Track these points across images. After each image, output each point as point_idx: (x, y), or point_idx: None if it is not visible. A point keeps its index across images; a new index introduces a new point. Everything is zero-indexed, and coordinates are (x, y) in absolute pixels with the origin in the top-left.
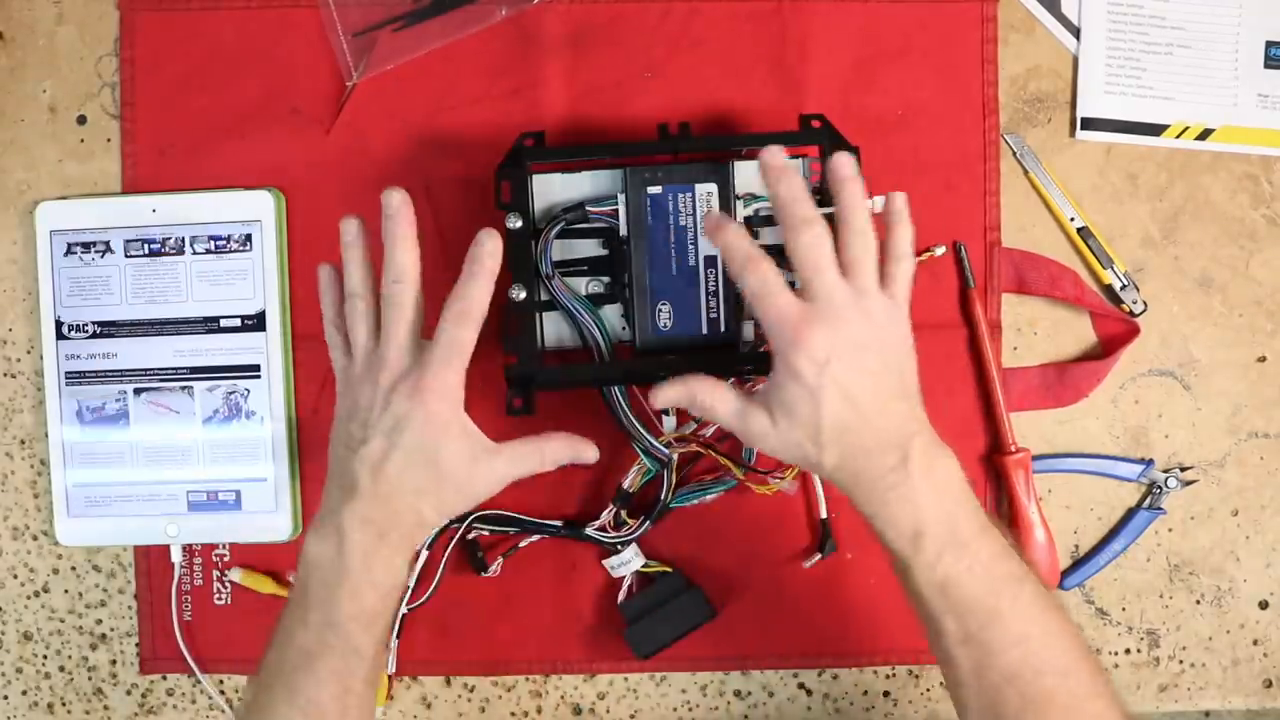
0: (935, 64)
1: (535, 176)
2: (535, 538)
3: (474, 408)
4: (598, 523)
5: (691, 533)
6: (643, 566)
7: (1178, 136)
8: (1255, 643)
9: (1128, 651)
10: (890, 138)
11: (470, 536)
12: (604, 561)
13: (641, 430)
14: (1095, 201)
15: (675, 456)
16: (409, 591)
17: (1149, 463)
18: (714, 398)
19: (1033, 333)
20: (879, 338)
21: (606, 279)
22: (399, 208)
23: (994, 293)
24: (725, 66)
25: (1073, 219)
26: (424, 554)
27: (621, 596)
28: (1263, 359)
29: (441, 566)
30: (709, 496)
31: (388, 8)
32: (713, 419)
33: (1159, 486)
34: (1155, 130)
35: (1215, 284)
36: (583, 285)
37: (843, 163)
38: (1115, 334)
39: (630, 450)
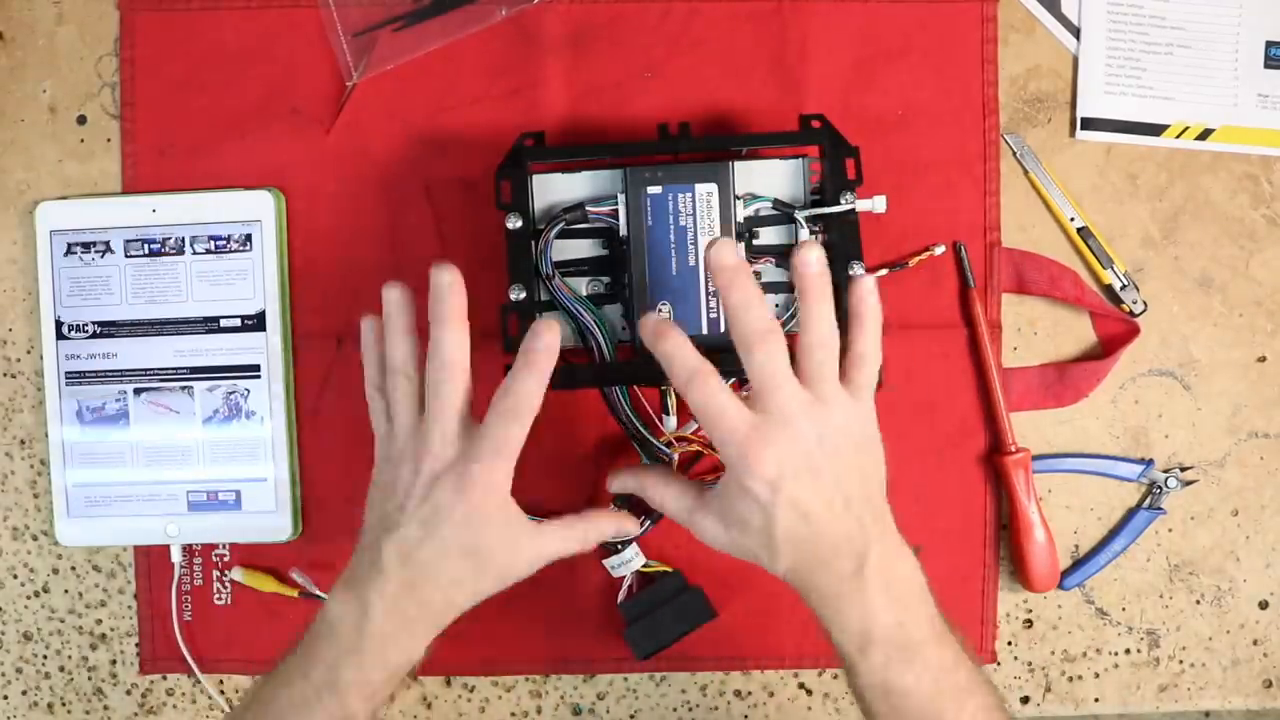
0: (935, 64)
1: (535, 176)
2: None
3: (475, 410)
4: None
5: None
6: (643, 566)
7: (1178, 136)
8: (1255, 643)
9: (1128, 651)
10: (890, 138)
11: None
12: (604, 561)
13: (642, 430)
14: (1095, 201)
15: (676, 456)
16: None
17: (1149, 463)
18: (664, 493)
19: (1033, 333)
20: (835, 446)
21: (606, 279)
22: (449, 287)
23: (994, 293)
24: (725, 66)
25: (1073, 219)
26: None
27: (621, 596)
28: (1263, 359)
29: None
30: None
31: (388, 8)
32: (663, 511)
33: (1159, 486)
34: (1155, 130)
35: (1215, 284)
36: (583, 285)
37: (806, 260)
38: (1115, 334)
39: (631, 450)
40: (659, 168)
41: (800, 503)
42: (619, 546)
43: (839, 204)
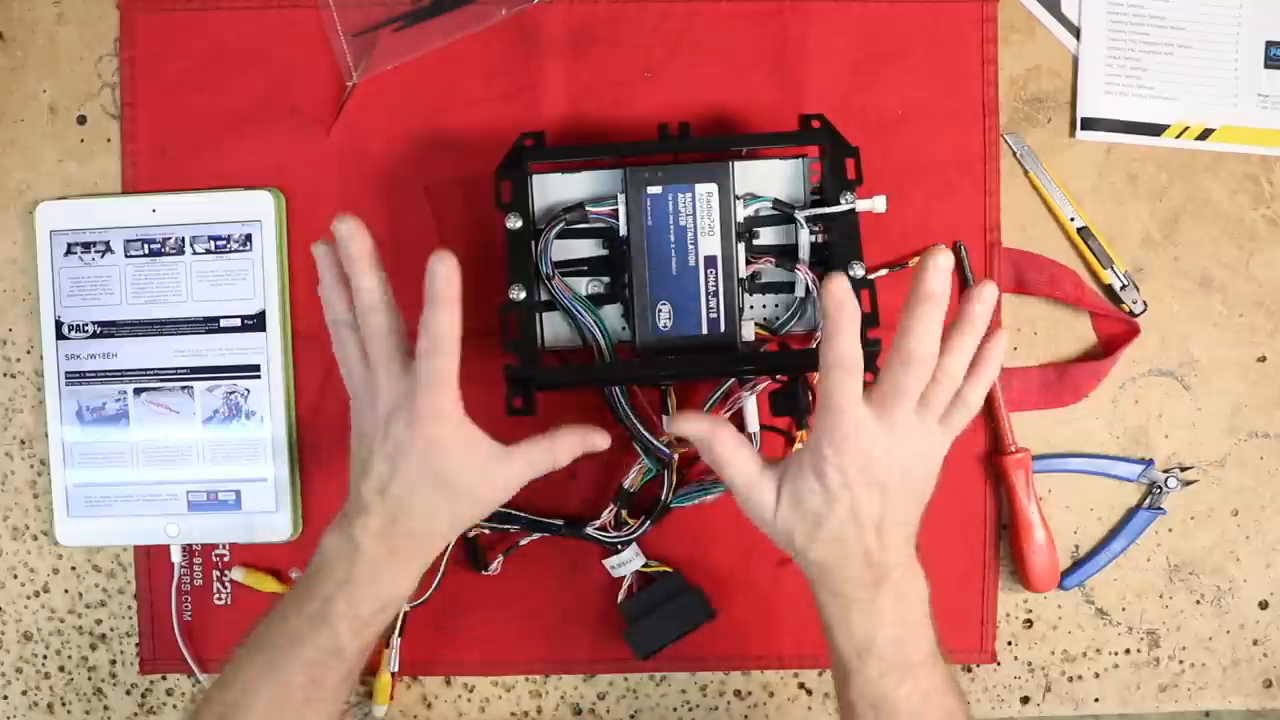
0: (935, 64)
1: (535, 176)
2: (535, 536)
3: (474, 408)
4: (598, 522)
5: (692, 533)
6: (643, 566)
7: (1178, 136)
8: (1255, 643)
9: (1128, 651)
10: (890, 138)
11: (470, 535)
12: (604, 561)
13: (642, 430)
14: (1095, 201)
15: (676, 456)
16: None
17: (1149, 463)
18: (734, 453)
19: (1033, 333)
20: (913, 469)
21: (606, 279)
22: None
23: None
24: (725, 66)
25: (1073, 219)
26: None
27: (621, 596)
28: (1263, 359)
29: (443, 566)
30: (709, 497)
31: (388, 8)
32: (720, 473)
33: (1159, 486)
34: (1155, 130)
35: (1215, 284)
36: (583, 285)
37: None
38: (1115, 334)
39: (631, 450)
40: (659, 168)
41: (860, 505)
42: (619, 547)
43: (839, 204)
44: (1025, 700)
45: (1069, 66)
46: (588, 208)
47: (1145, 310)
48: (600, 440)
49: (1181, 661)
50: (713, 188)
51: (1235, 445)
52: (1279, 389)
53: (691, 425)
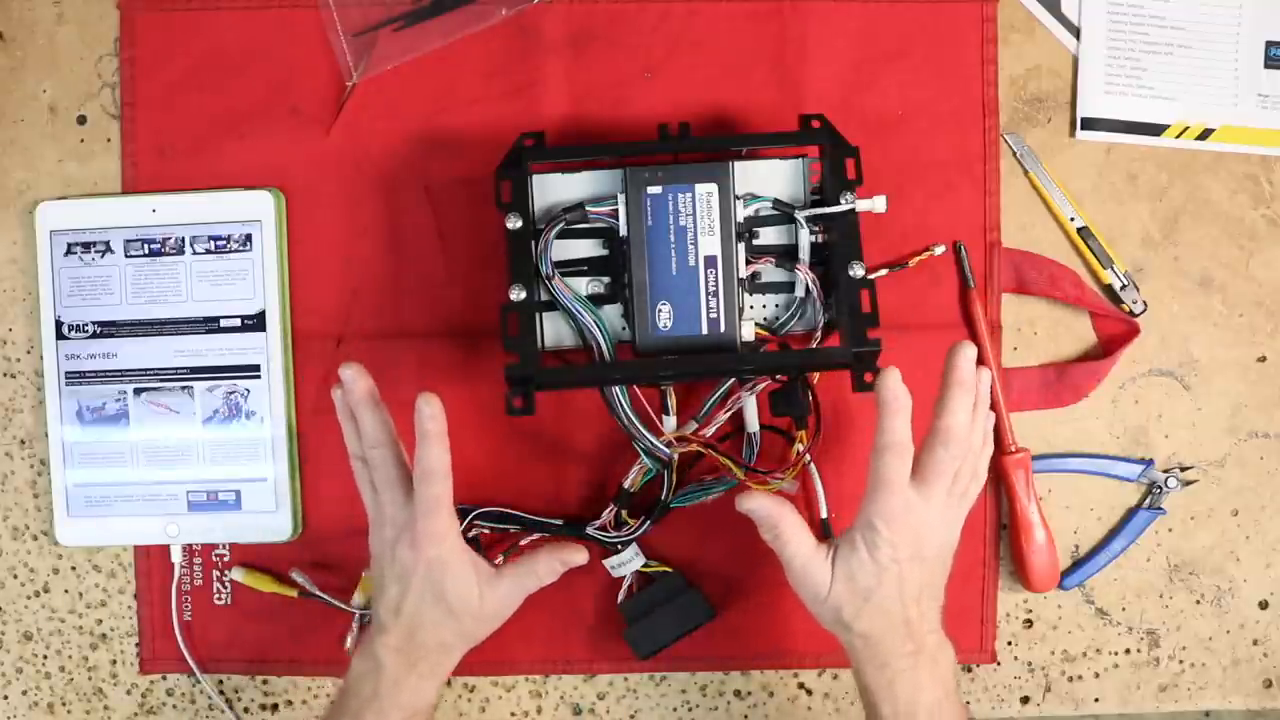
0: (935, 64)
1: (535, 176)
2: (535, 536)
3: (475, 407)
4: (598, 522)
5: (692, 533)
6: (643, 566)
7: (1178, 136)
8: (1255, 643)
9: (1128, 651)
10: (890, 138)
11: (471, 534)
12: (604, 561)
13: (643, 430)
14: (1095, 201)
15: (676, 456)
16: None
17: (1149, 463)
18: (793, 534)
19: (1033, 333)
20: (945, 546)
21: (606, 279)
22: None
23: (994, 293)
24: (725, 66)
25: (1073, 219)
26: None
27: (621, 596)
28: (1263, 359)
29: None
30: (709, 496)
31: (388, 8)
32: (779, 551)
33: (1159, 486)
34: (1155, 130)
35: (1215, 284)
36: (583, 285)
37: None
38: (1115, 334)
39: (631, 450)
40: (659, 168)
41: (906, 580)
42: (619, 547)
43: (839, 204)
44: (1025, 700)
45: (1069, 66)
46: (587, 208)
47: (1145, 310)
48: (578, 557)
49: (1181, 661)
50: (713, 188)
51: (1235, 445)
52: (1279, 389)
53: (758, 504)
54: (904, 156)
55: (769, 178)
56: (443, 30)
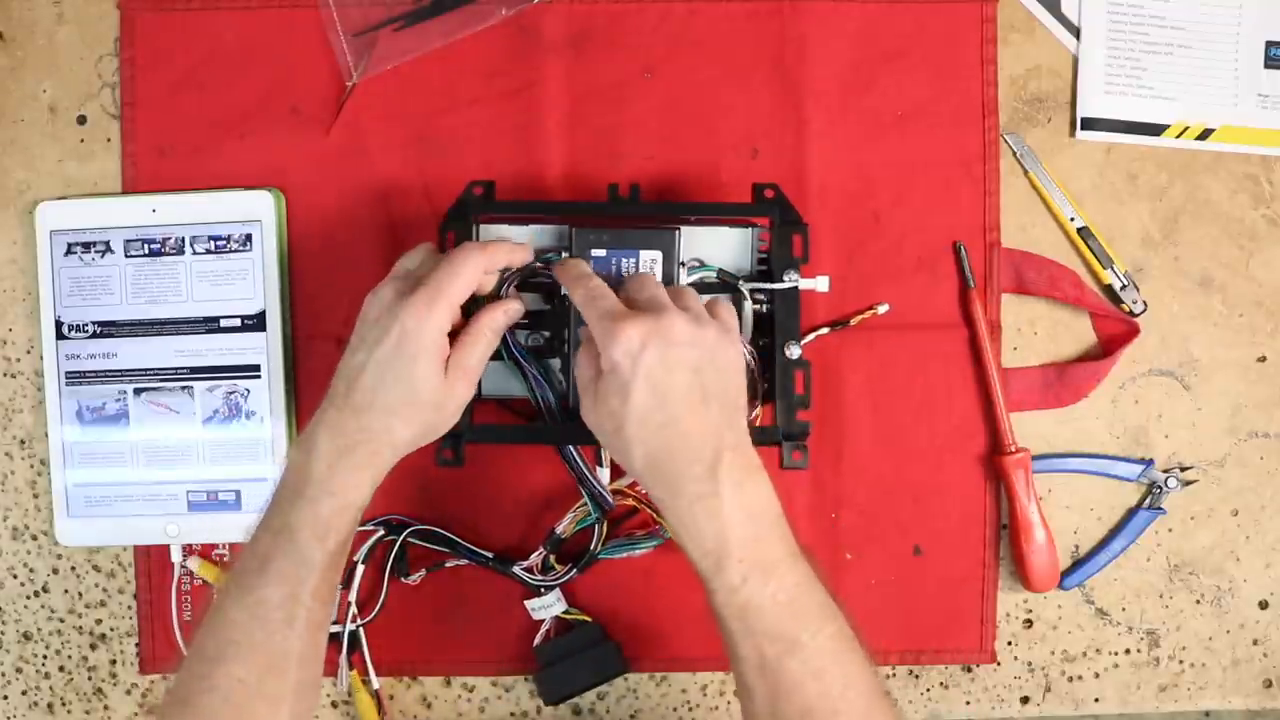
0: (935, 64)
1: (483, 226)
2: (463, 562)
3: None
4: (526, 563)
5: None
6: (563, 612)
7: (1178, 136)
8: (1255, 643)
9: (1128, 651)
10: (890, 138)
11: (400, 542)
12: (526, 603)
13: (590, 476)
14: (1095, 201)
15: (615, 505)
16: (381, 603)
17: (1149, 463)
18: (581, 359)
19: (1033, 333)
20: (699, 342)
21: (547, 333)
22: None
23: (994, 293)
24: (725, 66)
25: (1073, 219)
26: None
27: (538, 640)
28: (1263, 359)
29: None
30: (638, 551)
31: (388, 8)
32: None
33: (1159, 486)
34: (1155, 130)
35: (1215, 284)
36: (523, 337)
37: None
38: (1115, 334)
39: (565, 496)
40: (605, 231)
41: (657, 381)
42: (541, 590)
43: (783, 280)
44: (1025, 700)
45: (1069, 66)
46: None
47: (1145, 310)
48: (515, 305)
49: (1181, 661)
50: (657, 254)
51: (1235, 445)
52: (1279, 389)
53: (574, 271)
54: (904, 156)
55: (717, 244)
56: (443, 30)
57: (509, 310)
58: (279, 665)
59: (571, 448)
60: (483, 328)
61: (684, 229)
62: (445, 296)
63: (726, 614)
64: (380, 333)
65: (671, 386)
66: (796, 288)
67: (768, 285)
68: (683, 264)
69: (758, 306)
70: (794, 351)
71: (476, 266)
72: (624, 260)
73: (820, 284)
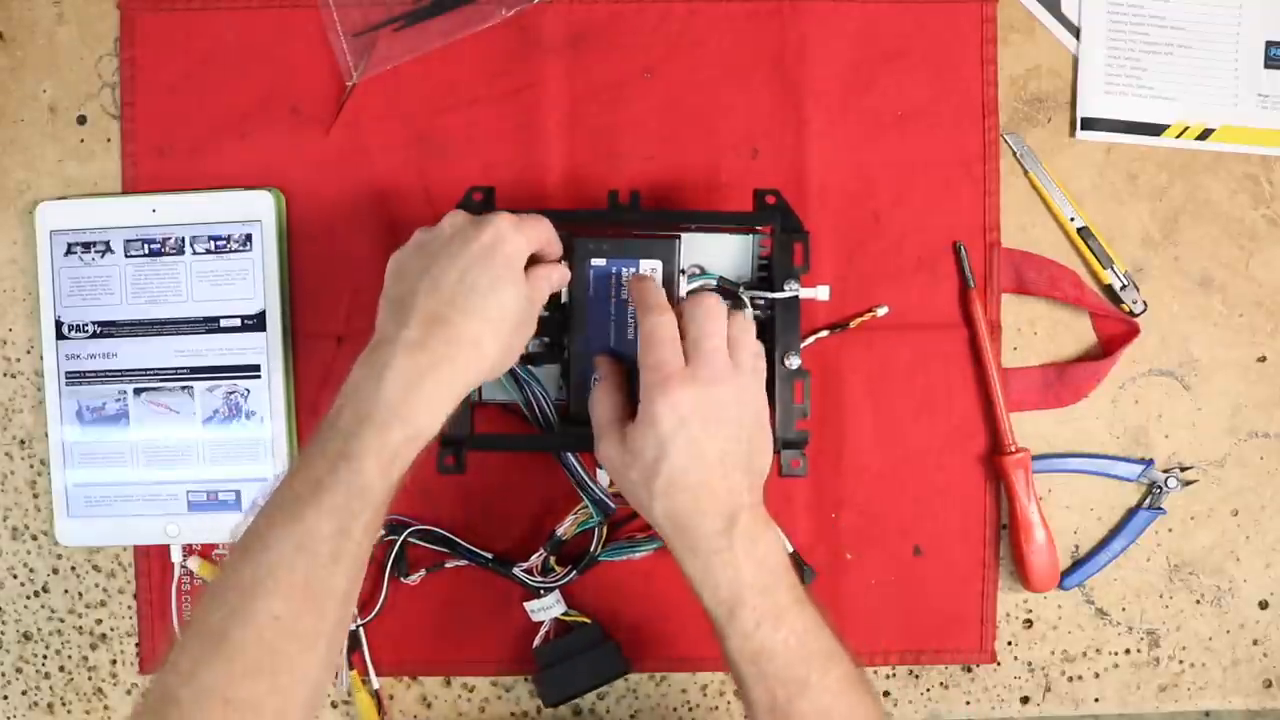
0: (935, 64)
1: None
2: (464, 563)
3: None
4: (526, 565)
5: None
6: (562, 614)
7: (1178, 136)
8: (1255, 643)
9: (1128, 651)
10: (890, 138)
11: (400, 542)
12: (525, 603)
13: (590, 481)
14: (1095, 201)
15: (616, 508)
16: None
17: (1149, 463)
18: (600, 396)
19: (1033, 333)
20: (742, 411)
21: (546, 339)
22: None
23: (994, 293)
24: (725, 66)
25: (1073, 219)
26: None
27: (538, 641)
28: (1263, 359)
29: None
30: (638, 554)
31: (388, 8)
32: (591, 413)
33: (1159, 486)
34: (1155, 130)
35: (1215, 284)
36: None
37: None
38: (1115, 334)
39: (566, 499)
40: (605, 241)
41: (698, 446)
42: (541, 592)
43: (783, 290)
44: (1025, 700)
45: (1069, 66)
46: None
47: (1145, 310)
48: (566, 273)
49: (1181, 661)
50: (657, 264)
51: (1235, 445)
52: (1279, 389)
53: (647, 290)
54: (904, 156)
55: (718, 249)
56: (443, 30)
57: (563, 273)
58: (320, 603)
59: (571, 455)
60: (549, 272)
61: (684, 236)
62: (531, 224)
63: (740, 659)
64: (465, 240)
65: (707, 452)
66: (797, 297)
67: (768, 294)
68: (683, 271)
69: (758, 313)
70: (794, 362)
71: (550, 228)
72: (625, 269)
73: (820, 293)
